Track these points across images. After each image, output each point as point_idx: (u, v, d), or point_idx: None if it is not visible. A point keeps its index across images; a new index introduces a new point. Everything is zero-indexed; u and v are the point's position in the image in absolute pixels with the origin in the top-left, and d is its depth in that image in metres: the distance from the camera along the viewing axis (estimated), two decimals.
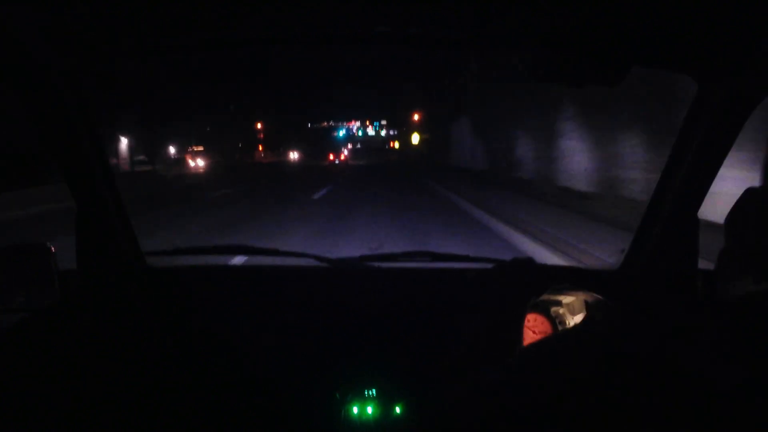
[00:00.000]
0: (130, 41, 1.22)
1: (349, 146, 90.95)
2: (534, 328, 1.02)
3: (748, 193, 0.66)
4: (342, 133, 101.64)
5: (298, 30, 1.23)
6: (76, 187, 1.36)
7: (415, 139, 38.57)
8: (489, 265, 1.53)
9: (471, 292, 1.44)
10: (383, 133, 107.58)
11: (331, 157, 55.94)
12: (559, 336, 0.63)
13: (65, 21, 1.06)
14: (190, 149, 55.49)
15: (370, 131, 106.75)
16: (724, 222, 0.68)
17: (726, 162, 1.26)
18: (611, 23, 1.06)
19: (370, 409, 1.31)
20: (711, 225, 1.26)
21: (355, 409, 1.31)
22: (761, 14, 0.94)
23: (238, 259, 4.97)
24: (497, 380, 0.62)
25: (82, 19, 1.07)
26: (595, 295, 1.04)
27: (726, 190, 1.54)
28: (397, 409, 1.32)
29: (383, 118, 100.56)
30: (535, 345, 0.65)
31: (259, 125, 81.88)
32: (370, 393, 1.32)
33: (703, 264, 1.32)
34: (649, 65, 1.23)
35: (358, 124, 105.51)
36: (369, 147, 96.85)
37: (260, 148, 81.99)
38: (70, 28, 1.10)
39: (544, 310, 1.02)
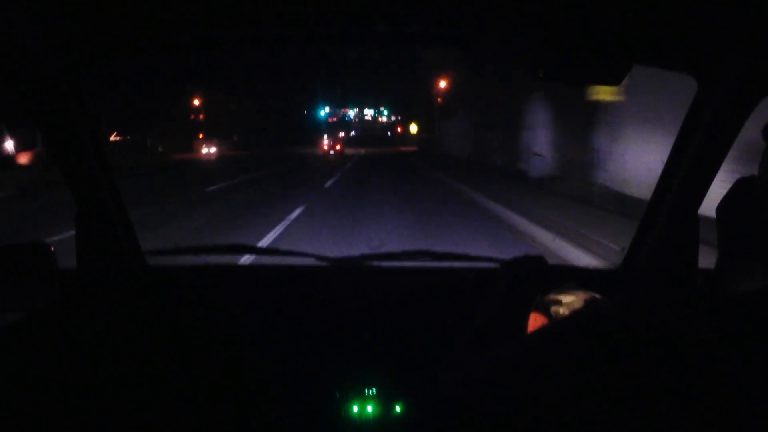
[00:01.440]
0: (130, 41, 1.22)
1: (341, 134, 69.75)
2: (533, 328, 1.02)
3: (740, 183, 0.67)
4: (324, 112, 76.27)
5: (297, 29, 1.23)
6: (76, 187, 1.36)
7: None
8: (490, 264, 1.53)
9: (473, 292, 1.44)
10: (384, 117, 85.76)
11: (326, 146, 44.52)
12: (559, 324, 0.64)
13: (65, 21, 1.06)
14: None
15: (367, 114, 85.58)
16: (715, 212, 0.69)
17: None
18: (612, 22, 1.06)
19: (370, 408, 1.31)
20: None
21: (355, 408, 1.31)
22: (761, 14, 0.94)
23: (238, 259, 4.97)
24: (500, 363, 0.63)
25: (82, 20, 1.07)
26: (595, 294, 1.04)
27: None
28: (397, 409, 1.32)
29: (386, 102, 79.26)
30: (536, 332, 0.65)
31: (196, 102, 54.45)
32: (370, 392, 1.32)
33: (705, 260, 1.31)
34: (650, 64, 1.23)
35: (356, 110, 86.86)
36: (367, 134, 78.01)
37: (201, 135, 54.17)
38: (70, 29, 1.10)
39: (544, 309, 1.02)
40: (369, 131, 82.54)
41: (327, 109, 76.70)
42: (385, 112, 80.00)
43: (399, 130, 74.36)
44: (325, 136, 66.22)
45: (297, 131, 67.98)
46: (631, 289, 1.42)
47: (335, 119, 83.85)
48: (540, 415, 0.53)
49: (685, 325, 0.51)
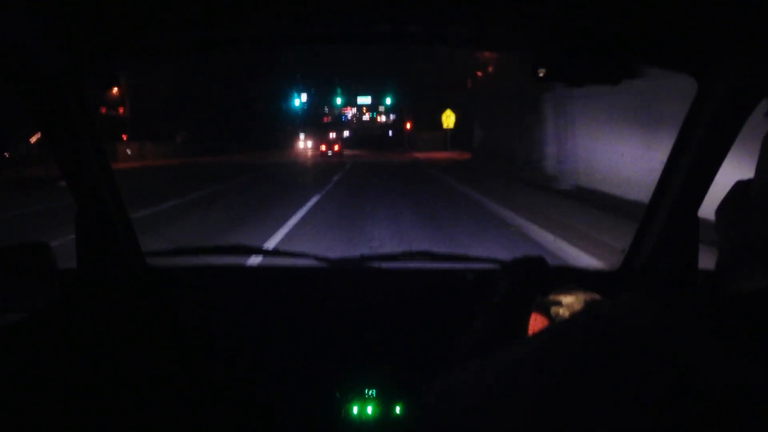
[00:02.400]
0: (130, 41, 1.22)
1: (332, 135, 52.61)
2: (534, 328, 1.02)
3: (738, 185, 0.67)
4: (299, 101, 55.37)
5: (298, 29, 1.23)
6: (76, 187, 1.36)
7: None
8: (491, 265, 1.53)
9: (473, 292, 1.44)
10: (383, 117, 67.44)
11: (323, 147, 39.60)
12: (557, 327, 0.64)
13: (66, 21, 1.06)
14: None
15: (361, 101, 65.04)
16: (714, 215, 0.69)
17: None
18: (611, 22, 1.06)
19: (370, 409, 1.31)
20: None
21: (355, 409, 1.31)
22: (761, 14, 0.94)
23: (238, 260, 4.94)
24: (499, 365, 0.63)
25: (82, 20, 1.07)
26: (595, 295, 1.04)
27: None
28: (397, 409, 1.32)
29: (388, 91, 57.07)
30: (536, 335, 0.65)
31: (115, 90, 30.29)
32: (370, 393, 1.32)
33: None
34: (650, 64, 1.23)
35: (353, 110, 68.02)
36: (364, 134, 61.57)
37: (124, 137, 35.90)
38: (70, 29, 1.10)
39: (544, 309, 1.02)
40: (366, 131, 65.15)
41: (304, 97, 52.31)
42: (388, 101, 53.95)
43: (408, 126, 50.49)
44: (302, 136, 51.18)
45: (271, 130, 49.66)
46: (631, 290, 1.42)
47: (329, 118, 67.08)
48: (542, 417, 0.53)
49: (685, 326, 0.51)
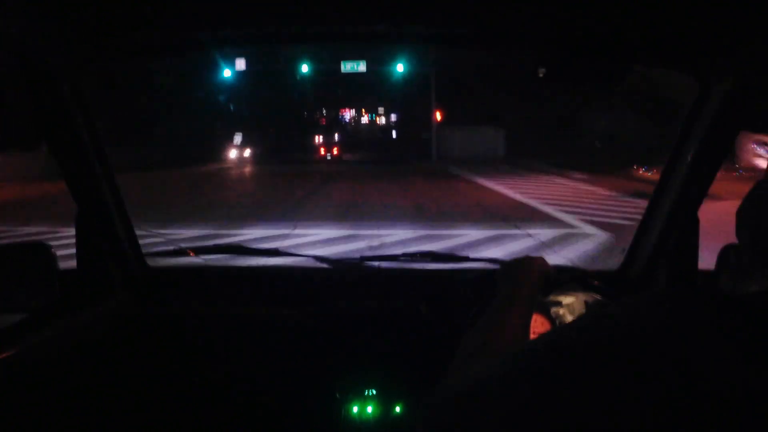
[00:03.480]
0: (129, 41, 1.22)
1: (319, 139, 40.76)
2: (534, 329, 1.02)
3: (760, 186, 0.66)
4: (230, 72, 21.14)
5: (298, 29, 1.23)
6: (76, 187, 1.36)
7: None
8: (491, 265, 1.53)
9: (473, 292, 1.44)
10: (383, 118, 50.09)
11: (322, 151, 35.66)
12: (559, 330, 0.64)
13: (65, 21, 1.06)
14: None
15: (361, 111, 47.04)
16: (735, 215, 0.68)
17: None
18: (612, 23, 1.06)
19: (370, 409, 1.31)
20: None
21: (355, 409, 1.31)
22: (762, 14, 0.94)
23: (238, 260, 4.94)
24: (499, 370, 0.63)
25: (82, 20, 1.07)
26: (595, 295, 1.04)
27: None
28: (397, 409, 1.32)
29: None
30: (535, 338, 0.65)
31: None
32: (370, 393, 1.32)
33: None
34: (650, 65, 1.23)
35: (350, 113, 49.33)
36: (356, 137, 45.74)
37: None
38: (71, 28, 1.10)
39: (544, 310, 1.02)
40: (363, 134, 49.14)
41: (240, 65, 21.52)
42: (399, 68, 22.40)
43: (438, 116, 28.61)
44: (238, 140, 32.44)
45: (204, 133, 28.86)
46: (632, 290, 1.42)
47: (325, 120, 50.11)
48: (542, 418, 0.53)
49: (686, 328, 0.51)
